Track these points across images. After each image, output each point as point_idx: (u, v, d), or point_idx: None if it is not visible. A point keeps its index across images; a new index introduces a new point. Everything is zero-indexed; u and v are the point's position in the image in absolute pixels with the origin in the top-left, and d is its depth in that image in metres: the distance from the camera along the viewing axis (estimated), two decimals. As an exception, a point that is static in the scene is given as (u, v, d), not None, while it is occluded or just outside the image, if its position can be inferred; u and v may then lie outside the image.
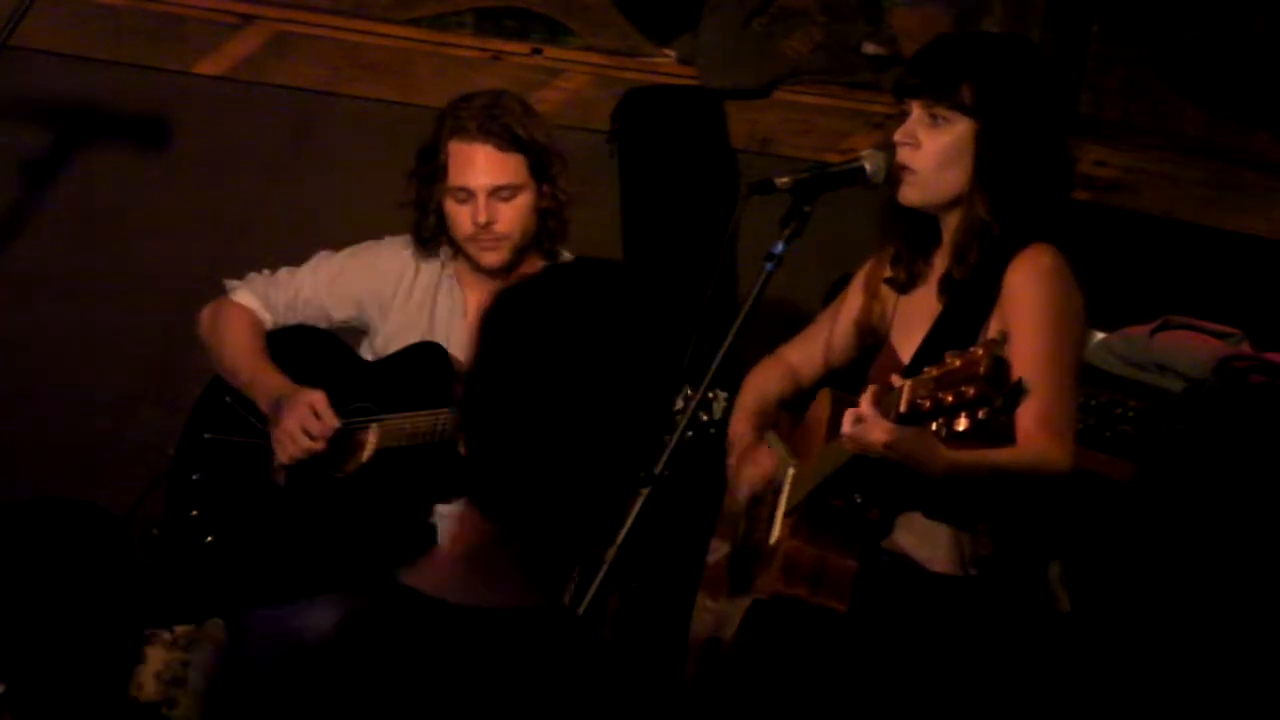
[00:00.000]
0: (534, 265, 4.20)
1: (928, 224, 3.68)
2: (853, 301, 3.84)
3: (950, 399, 3.07)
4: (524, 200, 4.09)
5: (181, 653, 4.46)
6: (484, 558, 2.20)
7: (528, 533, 2.19)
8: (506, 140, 4.07)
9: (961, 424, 3.06)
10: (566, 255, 4.22)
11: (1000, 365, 3.03)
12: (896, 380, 3.25)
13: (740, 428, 3.87)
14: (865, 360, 3.84)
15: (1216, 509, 4.28)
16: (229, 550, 4.19)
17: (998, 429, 3.23)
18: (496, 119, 4.08)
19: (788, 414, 3.92)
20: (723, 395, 3.78)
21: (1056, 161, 3.62)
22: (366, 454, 4.11)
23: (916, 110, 3.58)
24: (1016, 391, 3.05)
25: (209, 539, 4.21)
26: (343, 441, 4.15)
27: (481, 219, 4.07)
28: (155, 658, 4.39)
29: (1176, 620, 4.29)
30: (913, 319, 3.70)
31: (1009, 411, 3.09)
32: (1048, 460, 3.43)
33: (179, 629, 4.45)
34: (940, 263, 3.68)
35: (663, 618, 4.35)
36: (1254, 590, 4.25)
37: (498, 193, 4.07)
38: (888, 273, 3.76)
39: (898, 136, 3.59)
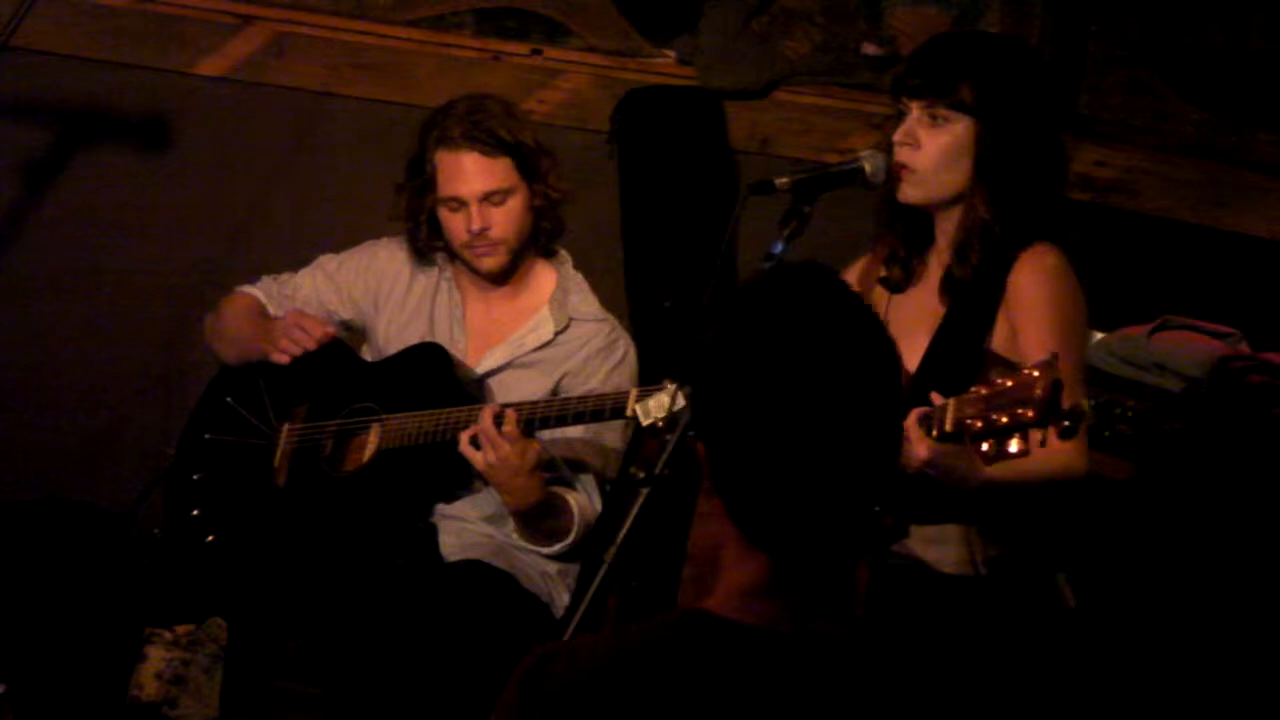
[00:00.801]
0: (532, 265, 4.20)
1: (924, 223, 3.68)
2: None
3: (1005, 420, 3.03)
4: (516, 203, 4.09)
5: (181, 652, 4.46)
6: (761, 586, 2.18)
7: (801, 556, 2.17)
8: (493, 145, 4.06)
9: (1015, 445, 3.03)
10: (564, 254, 4.22)
11: (1059, 388, 3.00)
12: (938, 399, 3.22)
13: None
14: None
15: (1215, 508, 4.28)
16: (230, 549, 4.19)
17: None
18: (481, 124, 4.07)
19: None
20: None
21: (1053, 159, 3.61)
22: (368, 454, 4.11)
23: (915, 110, 3.58)
24: (1079, 415, 3.02)
25: (209, 538, 4.21)
26: (344, 441, 4.16)
27: (475, 227, 4.06)
28: (155, 657, 4.38)
29: (1176, 619, 4.29)
30: (909, 320, 3.69)
31: (1072, 435, 3.06)
32: (1069, 466, 3.43)
33: (179, 629, 4.45)
34: (937, 263, 3.67)
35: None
36: (1253, 589, 4.25)
37: (489, 198, 4.07)
38: (881, 272, 3.75)
39: (897, 136, 3.59)
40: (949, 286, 3.61)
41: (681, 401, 3.64)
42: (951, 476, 3.33)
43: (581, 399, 3.88)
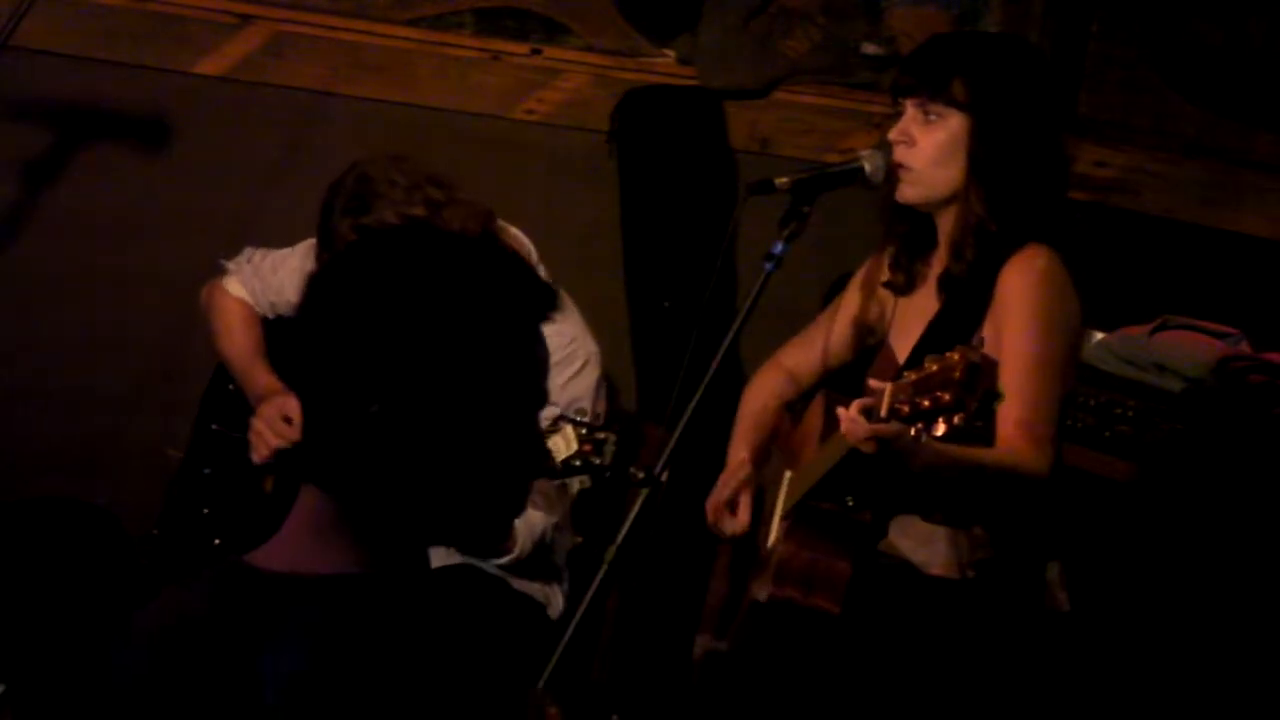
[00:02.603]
0: None
1: (926, 225, 3.68)
2: (851, 302, 3.84)
3: (927, 404, 3.07)
4: None
5: (181, 652, 4.45)
6: (323, 532, 2.22)
7: (366, 508, 2.20)
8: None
9: (939, 429, 3.07)
10: (526, 247, 4.17)
11: (975, 371, 3.03)
12: (876, 384, 3.25)
13: (739, 454, 3.83)
14: (865, 359, 3.84)
15: (1215, 509, 4.28)
16: (233, 551, 4.19)
17: (975, 434, 3.23)
18: (365, 211, 3.97)
19: (790, 416, 3.92)
20: (613, 438, 3.65)
21: (1052, 158, 3.61)
22: None
23: (910, 109, 3.59)
24: (991, 397, 3.05)
25: (217, 541, 4.21)
26: None
27: None
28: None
29: (1175, 620, 4.29)
30: (911, 319, 3.70)
31: (984, 418, 3.08)
32: (1025, 464, 3.41)
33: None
34: (939, 264, 3.67)
35: (662, 618, 4.35)
36: (1253, 590, 4.25)
37: None
38: (886, 275, 3.76)
39: (892, 135, 3.60)
40: (944, 285, 3.62)
41: (575, 446, 3.63)
42: (892, 456, 3.31)
43: None
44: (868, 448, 3.27)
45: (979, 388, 3.02)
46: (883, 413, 3.18)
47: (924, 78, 3.58)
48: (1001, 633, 3.55)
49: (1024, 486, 3.44)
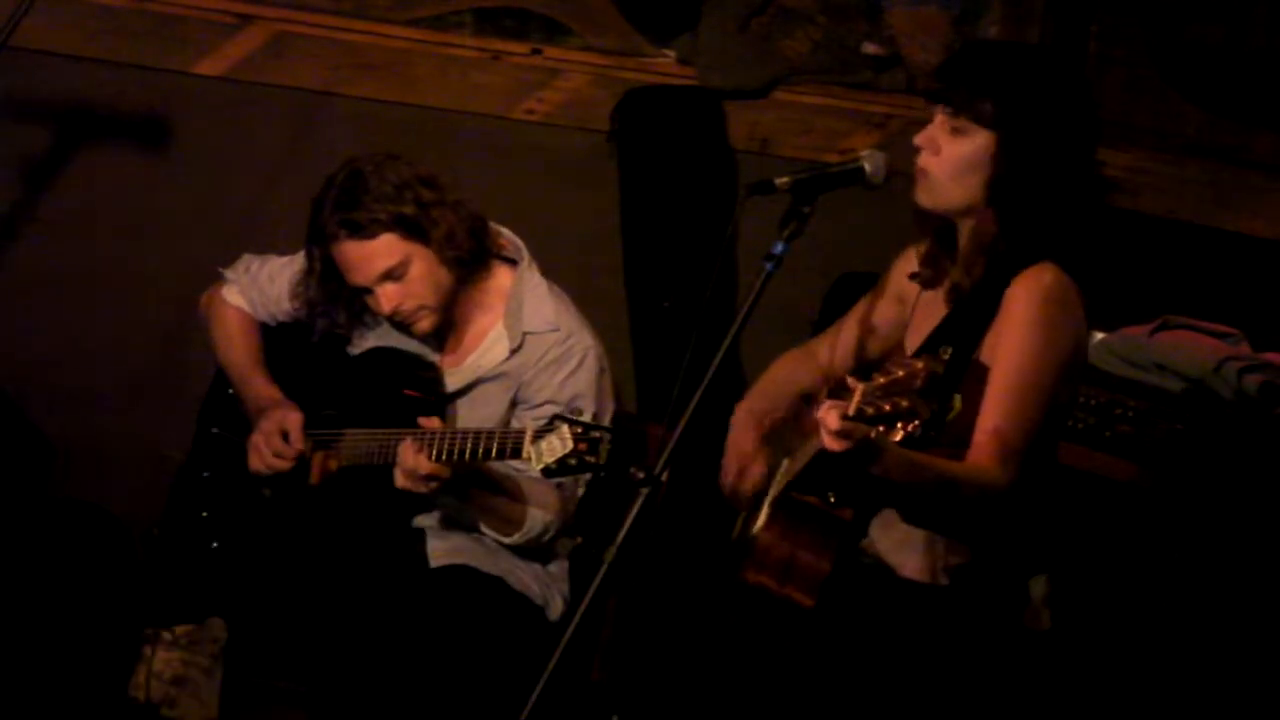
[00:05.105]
0: (486, 279, 4.14)
1: (953, 225, 3.67)
2: (880, 296, 3.83)
3: (888, 408, 3.08)
4: (418, 269, 4.00)
5: (181, 653, 4.46)
6: None
7: None
8: (371, 228, 3.98)
9: (897, 434, 3.07)
10: (522, 252, 4.16)
11: (934, 381, 3.03)
12: (852, 382, 3.25)
13: (739, 424, 3.83)
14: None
15: (1216, 509, 4.28)
16: (229, 554, 4.19)
17: (930, 442, 3.22)
18: (354, 207, 3.98)
19: (807, 407, 3.90)
20: (607, 436, 3.67)
21: (1077, 179, 3.57)
22: (333, 465, 4.10)
23: (939, 117, 3.57)
24: (944, 409, 3.05)
25: (215, 545, 4.20)
26: (311, 451, 4.13)
27: (387, 309, 4.03)
28: (155, 657, 4.39)
29: (1176, 621, 4.29)
30: (923, 318, 3.69)
31: (936, 428, 3.08)
32: (986, 475, 3.40)
33: (179, 629, 4.45)
34: (956, 270, 3.67)
35: (662, 618, 4.35)
36: (1253, 592, 4.25)
37: (388, 276, 4.01)
38: (914, 268, 3.74)
39: (918, 140, 3.58)
40: (953, 293, 3.61)
41: (570, 445, 3.63)
42: (856, 458, 3.30)
43: (481, 435, 3.84)
44: (834, 445, 3.27)
45: (935, 398, 3.03)
46: (850, 412, 3.18)
47: (955, 90, 3.56)
48: (967, 643, 3.54)
49: (982, 498, 3.43)
